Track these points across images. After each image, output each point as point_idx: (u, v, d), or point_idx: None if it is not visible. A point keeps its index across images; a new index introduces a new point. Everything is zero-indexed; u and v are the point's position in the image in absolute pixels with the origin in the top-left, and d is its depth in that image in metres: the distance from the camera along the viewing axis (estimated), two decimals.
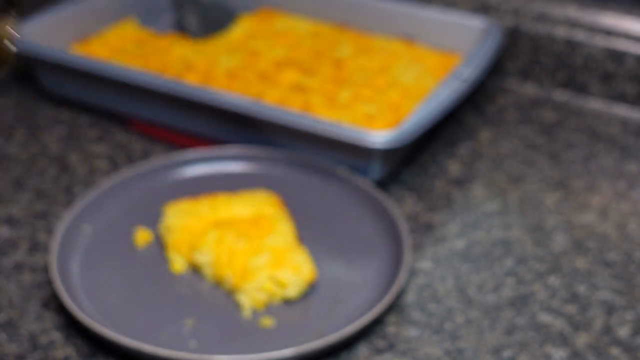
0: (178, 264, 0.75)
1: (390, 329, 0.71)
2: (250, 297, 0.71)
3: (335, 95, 0.93)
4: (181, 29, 1.13)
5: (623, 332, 0.71)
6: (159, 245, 0.78)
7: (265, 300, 0.71)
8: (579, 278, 0.76)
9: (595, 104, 1.04)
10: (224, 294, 0.73)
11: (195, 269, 0.75)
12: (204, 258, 0.74)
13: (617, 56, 1.02)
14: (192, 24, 1.12)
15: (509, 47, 1.07)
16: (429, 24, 1.06)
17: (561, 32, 1.04)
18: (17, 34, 0.96)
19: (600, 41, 1.02)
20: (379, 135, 0.80)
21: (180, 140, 0.94)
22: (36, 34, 1.00)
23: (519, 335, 0.70)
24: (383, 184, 0.88)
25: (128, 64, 0.98)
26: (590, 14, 1.04)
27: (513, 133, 0.98)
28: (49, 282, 0.75)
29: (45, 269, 0.76)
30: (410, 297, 0.74)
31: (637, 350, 0.69)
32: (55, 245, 0.74)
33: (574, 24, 1.04)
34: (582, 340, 0.70)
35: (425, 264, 0.78)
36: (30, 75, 1.08)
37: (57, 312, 0.72)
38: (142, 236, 0.78)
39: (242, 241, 0.73)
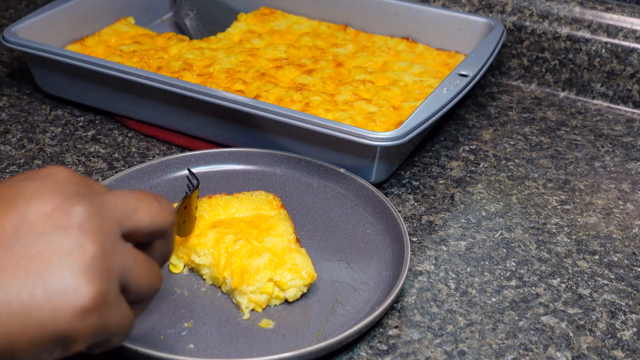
0: (176, 265, 0.74)
1: (391, 331, 0.70)
2: (249, 299, 0.70)
3: (335, 94, 0.92)
4: (179, 28, 1.13)
5: (627, 335, 0.70)
6: None
7: (264, 302, 0.70)
8: (582, 280, 0.76)
9: (599, 103, 1.04)
10: (222, 296, 0.72)
11: (193, 270, 0.75)
12: (202, 259, 0.73)
13: (622, 55, 1.01)
14: (190, 23, 1.12)
15: (511, 45, 1.07)
16: (430, 22, 1.05)
17: (565, 30, 1.04)
18: None
19: (605, 40, 1.02)
20: (380, 135, 0.79)
21: (178, 140, 0.93)
22: (32, 33, 0.99)
23: (522, 338, 0.69)
24: (383, 184, 0.87)
25: (125, 63, 0.97)
26: (594, 12, 1.03)
27: (516, 133, 0.98)
28: None
29: None
30: (411, 299, 0.73)
31: None
32: None
33: (577, 23, 1.04)
34: (585, 343, 0.69)
35: (426, 266, 0.77)
36: (26, 74, 1.07)
37: None
38: None
39: (241, 242, 0.73)
